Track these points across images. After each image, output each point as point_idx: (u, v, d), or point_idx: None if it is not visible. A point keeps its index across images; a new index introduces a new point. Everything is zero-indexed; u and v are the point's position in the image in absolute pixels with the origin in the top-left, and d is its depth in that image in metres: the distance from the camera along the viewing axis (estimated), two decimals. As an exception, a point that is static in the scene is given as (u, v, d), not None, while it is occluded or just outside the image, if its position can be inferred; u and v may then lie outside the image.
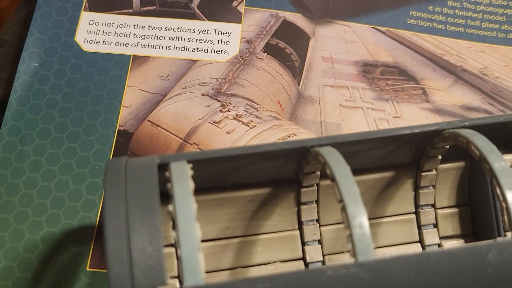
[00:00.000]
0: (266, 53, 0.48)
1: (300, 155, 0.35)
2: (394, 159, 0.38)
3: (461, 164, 0.40)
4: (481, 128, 0.34)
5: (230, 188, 0.36)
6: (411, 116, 0.46)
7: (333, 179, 0.29)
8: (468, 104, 0.47)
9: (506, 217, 0.29)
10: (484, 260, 0.28)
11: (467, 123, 0.35)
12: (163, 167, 0.30)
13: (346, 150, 0.34)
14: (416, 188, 0.39)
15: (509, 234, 0.30)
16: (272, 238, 0.37)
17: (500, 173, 0.30)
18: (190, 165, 0.30)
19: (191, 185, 0.28)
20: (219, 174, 0.35)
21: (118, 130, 0.43)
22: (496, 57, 0.50)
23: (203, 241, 0.36)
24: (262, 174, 0.36)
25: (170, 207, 0.27)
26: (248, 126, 0.44)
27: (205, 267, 0.36)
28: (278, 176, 0.37)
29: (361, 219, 0.28)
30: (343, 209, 0.28)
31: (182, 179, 0.28)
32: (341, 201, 0.28)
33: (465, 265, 0.28)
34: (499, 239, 0.29)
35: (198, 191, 0.35)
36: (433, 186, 0.39)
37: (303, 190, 0.37)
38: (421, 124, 0.34)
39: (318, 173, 0.36)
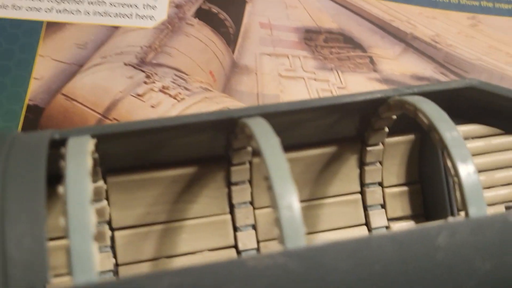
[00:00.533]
0: (197, 19, 0.44)
1: (227, 128, 0.30)
2: (336, 132, 0.34)
3: (410, 137, 0.36)
4: (432, 96, 0.30)
5: (149, 167, 0.32)
6: (357, 87, 0.43)
7: (259, 153, 0.25)
8: (419, 74, 0.45)
9: (458, 194, 0.26)
10: (433, 245, 0.24)
11: (415, 90, 0.31)
12: (63, 144, 0.26)
13: (279, 121, 0.30)
14: (362, 164, 0.36)
15: (462, 213, 0.26)
16: (199, 224, 0.33)
17: (452, 144, 0.27)
18: (94, 141, 0.26)
19: (89, 162, 0.24)
20: (135, 152, 0.31)
21: (28, 105, 0.39)
22: (448, 24, 0.47)
23: (120, 228, 0.32)
24: (186, 151, 0.32)
25: (61, 189, 0.23)
26: (175, 99, 0.40)
27: (121, 258, 0.32)
28: (205, 153, 0.33)
29: (290, 199, 0.24)
30: (270, 187, 0.24)
31: (79, 156, 0.24)
32: (267, 178, 0.24)
33: (411, 251, 0.24)
34: (450, 219, 0.25)
35: (112, 171, 0.31)
36: (380, 163, 0.36)
37: (233, 168, 0.33)
38: (365, 91, 0.31)
39: (249, 149, 0.32)
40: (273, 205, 0.24)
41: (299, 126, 0.32)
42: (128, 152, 0.31)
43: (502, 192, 0.36)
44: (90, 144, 0.25)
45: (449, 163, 0.27)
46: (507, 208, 0.35)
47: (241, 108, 0.29)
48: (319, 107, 0.30)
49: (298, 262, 0.23)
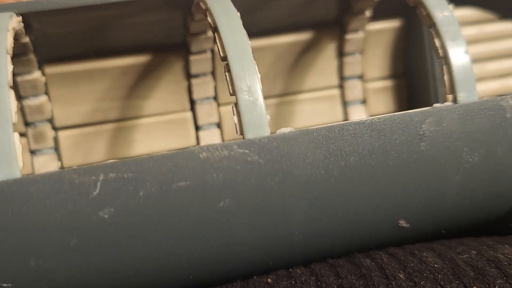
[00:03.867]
0: None
1: (183, 7, 0.26)
2: (311, 15, 0.30)
3: (394, 23, 0.32)
4: None
5: (94, 56, 0.28)
6: None
7: (215, 29, 0.21)
8: None
9: (446, 76, 0.23)
10: (417, 133, 0.21)
11: None
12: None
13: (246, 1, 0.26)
14: (340, 55, 0.32)
15: (450, 97, 0.22)
16: (156, 123, 0.30)
17: (441, 20, 0.23)
18: (19, 18, 0.22)
19: (9, 39, 0.20)
20: (76, 36, 0.27)
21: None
22: None
23: (64, 128, 0.28)
24: (136, 35, 0.28)
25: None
26: None
27: (67, 161, 0.28)
28: (160, 39, 0.28)
29: (250, 81, 0.20)
30: (227, 69, 0.20)
31: None
32: (224, 58, 0.20)
33: (392, 140, 0.21)
34: (437, 105, 0.22)
35: (50, 61, 0.27)
36: (361, 53, 0.32)
37: (192, 58, 0.29)
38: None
39: (210, 34, 0.27)
40: (231, 88, 0.20)
41: (268, 5, 0.28)
42: (67, 36, 0.26)
43: (494, 84, 0.32)
44: (11, 20, 0.21)
45: (437, 43, 0.23)
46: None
47: None
48: None
49: (259, 154, 0.19)
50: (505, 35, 0.32)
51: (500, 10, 0.32)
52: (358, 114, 0.33)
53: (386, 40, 0.32)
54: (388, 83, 0.33)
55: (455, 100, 0.22)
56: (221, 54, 0.21)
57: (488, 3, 0.32)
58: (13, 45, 0.20)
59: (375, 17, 0.31)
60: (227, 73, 0.20)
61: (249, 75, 0.20)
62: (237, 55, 0.20)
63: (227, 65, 0.20)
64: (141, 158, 0.19)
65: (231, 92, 0.20)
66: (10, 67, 0.19)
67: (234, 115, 0.20)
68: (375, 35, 0.32)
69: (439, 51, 0.23)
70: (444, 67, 0.23)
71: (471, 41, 0.32)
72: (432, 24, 0.23)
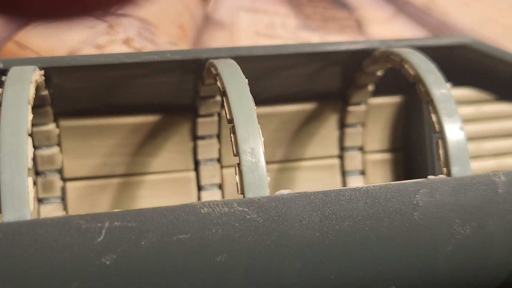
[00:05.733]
0: None
1: (195, 71, 0.28)
2: (316, 87, 0.32)
3: (395, 99, 0.33)
4: (421, 51, 0.28)
5: (107, 112, 0.29)
6: None
7: (224, 93, 0.23)
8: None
9: (441, 151, 0.24)
10: (411, 203, 0.22)
11: (403, 43, 0.29)
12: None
13: (253, 67, 0.28)
14: (342, 126, 0.33)
15: (444, 171, 0.24)
16: (160, 180, 0.31)
17: (438, 96, 0.25)
18: (41, 72, 0.24)
19: (30, 91, 0.22)
20: (91, 92, 0.28)
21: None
22: None
23: (72, 179, 0.29)
24: (148, 95, 0.29)
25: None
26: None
27: (73, 212, 0.29)
28: (170, 100, 0.30)
29: (254, 143, 0.21)
30: (233, 131, 0.21)
31: (19, 83, 0.22)
32: (231, 121, 0.22)
33: (386, 208, 0.22)
34: (431, 177, 0.23)
35: (65, 114, 0.29)
36: (362, 125, 0.33)
37: (200, 120, 0.30)
38: (349, 40, 0.28)
39: (218, 98, 0.29)
40: (235, 150, 0.21)
41: (275, 74, 0.30)
42: (83, 91, 0.28)
43: (490, 163, 0.33)
44: (34, 73, 0.23)
45: (433, 118, 0.24)
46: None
47: (210, 48, 0.27)
48: (298, 53, 0.28)
49: (258, 212, 0.20)
50: (502, 115, 0.33)
51: (497, 91, 0.33)
52: (356, 184, 0.34)
53: (387, 114, 0.34)
54: (387, 155, 0.34)
55: (449, 173, 0.23)
56: (228, 116, 0.22)
57: (485, 84, 0.33)
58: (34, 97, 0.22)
59: (377, 92, 0.32)
60: (232, 135, 0.22)
61: (253, 138, 0.21)
62: (243, 118, 0.22)
63: (233, 127, 0.22)
64: (145, 209, 0.20)
65: (235, 153, 0.21)
66: (30, 117, 0.20)
67: (236, 174, 0.21)
68: (377, 109, 0.33)
69: (436, 126, 0.24)
70: (440, 142, 0.24)
71: (468, 120, 0.33)
72: (430, 100, 0.25)
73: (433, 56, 0.28)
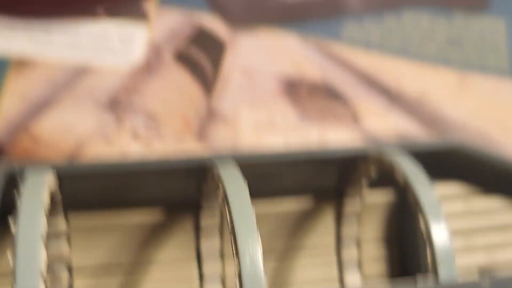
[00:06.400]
0: (175, 62, 0.43)
1: (198, 175, 0.30)
2: (314, 183, 0.33)
3: (390, 195, 0.35)
4: (413, 155, 0.30)
5: (115, 209, 0.31)
6: (338, 142, 0.42)
7: (225, 198, 0.25)
8: (403, 131, 0.44)
9: (429, 254, 0.25)
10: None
11: (396, 148, 0.31)
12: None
13: (253, 171, 0.29)
14: (339, 219, 0.35)
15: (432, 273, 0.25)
16: (164, 276, 0.32)
17: (426, 205, 0.26)
18: (55, 178, 0.26)
19: (45, 199, 0.23)
20: (99, 191, 0.30)
21: (-12, 144, 0.39)
22: (436, 80, 0.47)
23: (80, 275, 0.31)
24: (153, 194, 0.31)
25: (12, 225, 0.22)
26: (146, 143, 0.39)
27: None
28: (174, 198, 0.31)
29: (253, 252, 0.23)
30: (234, 238, 0.23)
31: (35, 191, 0.23)
32: (232, 229, 0.23)
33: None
34: (419, 283, 0.24)
35: (74, 210, 0.30)
36: (358, 219, 0.35)
37: (203, 216, 0.32)
38: (345, 147, 0.31)
39: (221, 198, 0.31)
40: (236, 259, 0.22)
41: (275, 176, 0.32)
42: (92, 191, 0.30)
43: (481, 257, 0.34)
44: (49, 180, 0.25)
45: (422, 225, 0.26)
46: (480, 273, 0.34)
47: (212, 155, 0.29)
48: (296, 161, 0.30)
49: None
50: (492, 210, 0.35)
51: (487, 186, 0.34)
52: (352, 276, 0.35)
53: (383, 207, 0.35)
54: (382, 249, 0.35)
55: (436, 274, 0.25)
56: (228, 222, 0.23)
57: (475, 179, 0.34)
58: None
59: (372, 188, 0.34)
60: (233, 245, 0.23)
61: (252, 247, 0.23)
62: (241, 226, 0.23)
63: (233, 233, 0.23)
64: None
65: (234, 256, 0.23)
66: (45, 224, 0.22)
67: (236, 278, 0.22)
68: (373, 203, 0.35)
69: (423, 231, 0.26)
70: (427, 246, 0.25)
71: (458, 215, 0.34)
72: (419, 209, 0.26)
73: (426, 157, 0.30)
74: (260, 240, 0.23)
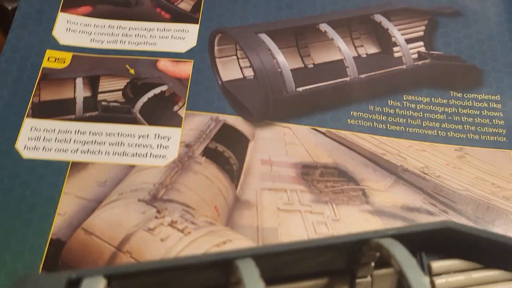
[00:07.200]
0: (204, 157, 0.48)
1: (224, 268, 0.34)
2: (326, 266, 0.37)
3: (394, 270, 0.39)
4: (408, 237, 0.33)
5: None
6: (350, 219, 0.46)
7: None
8: (409, 205, 0.47)
9: None
10: None
11: (392, 232, 0.34)
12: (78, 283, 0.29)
13: (270, 261, 0.33)
14: (354, 299, 0.38)
15: None
16: None
17: None
18: (105, 281, 0.30)
19: None
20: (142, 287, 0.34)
21: (51, 239, 0.43)
22: (436, 155, 0.50)
23: None
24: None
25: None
26: (182, 232, 0.43)
27: None
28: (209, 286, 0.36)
29: None
30: None
31: None
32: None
33: None
34: None
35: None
36: (371, 296, 0.38)
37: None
38: (348, 234, 0.34)
39: None
40: None
41: (289, 263, 0.35)
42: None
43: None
44: (101, 284, 0.29)
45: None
46: None
47: (234, 250, 0.33)
48: (307, 248, 0.34)
49: None
50: (490, 281, 0.38)
51: (485, 260, 0.38)
52: None
53: (391, 283, 0.39)
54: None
55: None
56: None
57: (474, 255, 0.38)
58: None
59: (382, 264, 0.38)
60: None
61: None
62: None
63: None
64: None
65: None
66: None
67: None
68: (382, 279, 0.38)
69: None
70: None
71: (461, 286, 0.38)
72: None
73: (421, 236, 0.33)
74: None
